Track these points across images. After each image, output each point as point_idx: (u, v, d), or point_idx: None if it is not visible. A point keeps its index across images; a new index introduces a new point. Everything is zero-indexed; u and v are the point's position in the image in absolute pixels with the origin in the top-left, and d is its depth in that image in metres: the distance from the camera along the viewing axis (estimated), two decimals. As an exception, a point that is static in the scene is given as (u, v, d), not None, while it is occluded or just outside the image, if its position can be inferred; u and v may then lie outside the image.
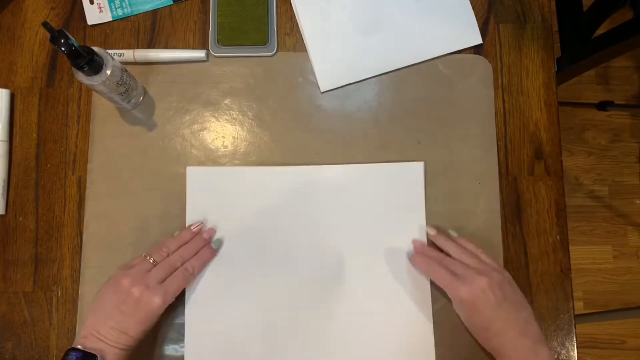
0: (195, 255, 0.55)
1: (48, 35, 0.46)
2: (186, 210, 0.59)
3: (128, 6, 0.63)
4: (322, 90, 0.62)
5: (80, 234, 0.59)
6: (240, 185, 0.60)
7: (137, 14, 0.63)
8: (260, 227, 0.59)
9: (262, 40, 0.62)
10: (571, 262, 0.59)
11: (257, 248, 0.58)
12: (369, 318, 0.57)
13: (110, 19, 0.63)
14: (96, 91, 0.55)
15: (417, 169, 0.60)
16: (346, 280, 0.58)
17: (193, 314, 0.57)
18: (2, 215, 0.60)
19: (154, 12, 0.64)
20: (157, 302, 0.49)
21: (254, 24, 0.62)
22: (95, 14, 0.63)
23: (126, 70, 0.56)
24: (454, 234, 0.58)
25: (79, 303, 0.58)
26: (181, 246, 0.55)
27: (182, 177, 0.60)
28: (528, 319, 0.51)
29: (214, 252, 0.57)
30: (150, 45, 0.63)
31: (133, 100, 0.60)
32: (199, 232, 0.57)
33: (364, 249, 0.58)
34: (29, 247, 0.59)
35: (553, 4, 0.70)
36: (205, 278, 0.57)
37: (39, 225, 0.60)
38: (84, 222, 0.59)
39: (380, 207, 0.59)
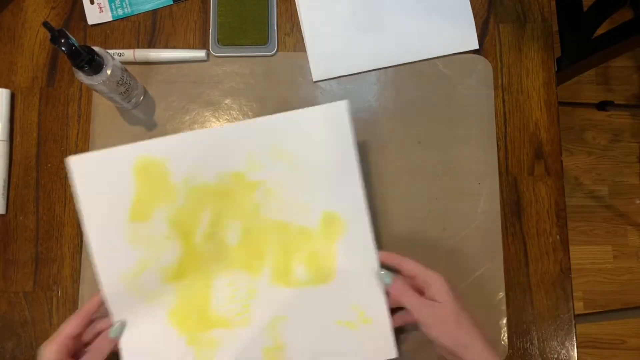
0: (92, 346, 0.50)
1: (48, 35, 0.46)
2: (81, 210, 0.51)
3: (128, 6, 0.63)
4: (314, 80, 0.62)
5: (80, 234, 0.59)
6: (134, 165, 0.52)
7: (137, 14, 0.64)
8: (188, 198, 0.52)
9: (262, 40, 0.62)
10: (571, 262, 0.59)
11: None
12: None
13: (111, 19, 0.63)
14: (97, 91, 0.55)
15: (340, 108, 0.52)
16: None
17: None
18: (2, 215, 0.60)
19: (155, 11, 0.64)
20: None
21: (254, 23, 0.62)
22: (96, 13, 0.63)
23: (126, 70, 0.56)
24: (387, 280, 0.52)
25: (79, 303, 0.58)
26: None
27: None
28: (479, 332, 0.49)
29: (114, 341, 0.50)
30: (151, 45, 0.63)
31: (133, 100, 0.60)
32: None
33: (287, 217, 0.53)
34: (29, 246, 0.59)
35: (553, 4, 0.70)
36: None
37: (39, 225, 0.60)
38: (84, 222, 0.59)
39: (307, 157, 0.53)
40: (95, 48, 0.51)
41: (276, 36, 0.63)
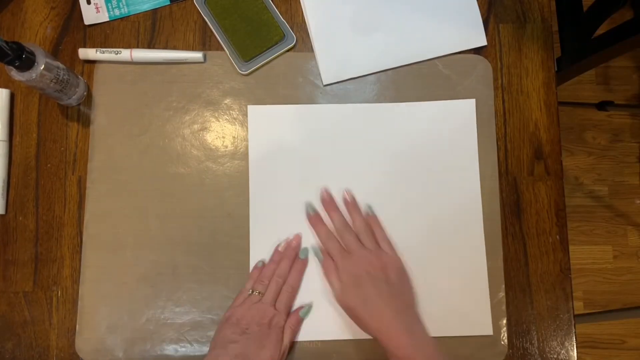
0: (290, 271, 0.57)
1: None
2: (249, 149, 0.61)
3: (125, 6, 0.63)
4: (324, 84, 0.62)
5: (80, 234, 0.59)
6: (296, 121, 0.61)
7: (136, 14, 0.64)
8: (314, 160, 0.61)
9: (279, 37, 0.62)
10: (571, 262, 0.59)
11: (312, 180, 0.60)
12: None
13: (107, 19, 0.63)
14: (35, 88, 0.55)
15: (469, 106, 0.61)
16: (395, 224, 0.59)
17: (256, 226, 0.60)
18: (2, 215, 0.60)
19: (154, 12, 0.64)
20: (278, 317, 0.54)
21: (265, 27, 0.62)
22: (92, 14, 0.63)
23: (65, 67, 0.56)
24: (369, 211, 0.59)
25: (79, 303, 0.58)
26: (275, 269, 0.57)
27: (182, 177, 0.60)
28: (408, 302, 0.53)
29: (305, 262, 0.58)
30: (150, 45, 0.63)
31: (75, 97, 0.59)
32: (285, 250, 0.58)
33: (413, 188, 0.60)
34: (29, 247, 0.59)
35: (553, 4, 0.70)
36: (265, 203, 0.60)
37: (39, 225, 0.60)
38: (84, 222, 0.59)
39: (430, 145, 0.61)
40: (29, 45, 0.51)
41: (288, 27, 0.62)
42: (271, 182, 0.60)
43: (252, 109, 0.62)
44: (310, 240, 0.59)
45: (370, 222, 0.58)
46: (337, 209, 0.59)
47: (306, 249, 0.59)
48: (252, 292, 0.55)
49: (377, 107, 0.61)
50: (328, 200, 0.59)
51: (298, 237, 0.59)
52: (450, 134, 0.61)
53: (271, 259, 0.58)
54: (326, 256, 0.57)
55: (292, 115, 0.61)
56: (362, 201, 0.60)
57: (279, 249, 0.58)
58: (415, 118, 0.61)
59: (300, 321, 0.56)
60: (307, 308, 0.57)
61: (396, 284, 0.53)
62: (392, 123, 0.61)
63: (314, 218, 0.59)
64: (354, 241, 0.56)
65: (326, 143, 0.61)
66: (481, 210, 0.59)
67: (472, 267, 0.58)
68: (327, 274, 0.56)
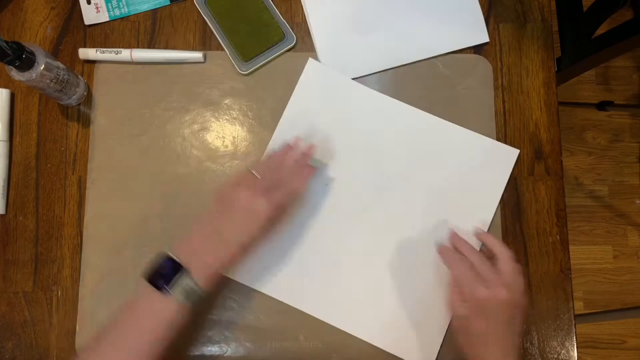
0: (296, 173, 0.54)
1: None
2: (290, 99, 0.61)
3: (125, 6, 0.63)
4: None
5: (80, 234, 0.59)
6: (345, 95, 0.61)
7: (136, 14, 0.64)
8: (344, 142, 0.60)
9: (279, 37, 0.62)
10: (571, 262, 0.59)
11: (337, 161, 0.60)
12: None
13: (107, 19, 0.63)
14: (35, 88, 0.55)
15: (510, 154, 0.60)
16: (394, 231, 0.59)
17: None
18: (2, 215, 0.60)
19: (154, 12, 0.64)
20: (262, 205, 0.48)
21: (265, 27, 0.62)
22: (93, 14, 0.63)
23: (65, 67, 0.56)
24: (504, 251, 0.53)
25: (79, 303, 0.58)
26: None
27: (182, 177, 0.60)
28: (516, 345, 0.50)
29: (313, 170, 0.56)
30: (151, 45, 0.63)
31: (75, 97, 0.59)
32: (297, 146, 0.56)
33: (427, 207, 0.59)
34: (29, 247, 0.59)
35: (553, 4, 0.70)
36: None
37: (39, 225, 0.60)
38: (84, 222, 0.59)
39: (459, 174, 0.60)
40: (27, 44, 0.51)
41: (289, 27, 0.62)
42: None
43: (312, 62, 0.62)
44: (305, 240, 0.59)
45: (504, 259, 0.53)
46: (467, 246, 0.55)
47: (319, 161, 0.57)
48: (251, 171, 0.52)
49: (427, 118, 0.61)
50: (460, 241, 0.56)
51: (312, 146, 0.57)
52: (482, 172, 0.60)
53: (282, 149, 0.56)
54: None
55: (345, 88, 0.61)
56: (374, 197, 0.60)
57: (290, 143, 0.56)
58: (455, 142, 0.60)
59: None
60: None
61: (515, 324, 0.50)
62: (432, 136, 0.60)
63: (449, 253, 0.54)
64: (490, 270, 0.51)
65: (360, 130, 0.61)
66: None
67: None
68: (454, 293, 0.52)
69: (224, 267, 0.48)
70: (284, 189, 0.52)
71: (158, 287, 0.44)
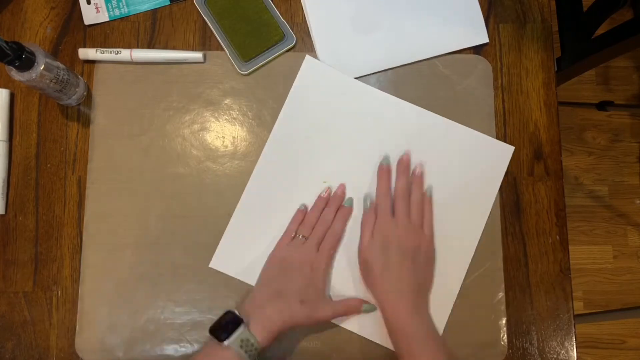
0: (335, 218, 0.58)
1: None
2: (288, 96, 0.61)
3: (125, 6, 0.63)
4: None
5: (80, 234, 0.59)
6: (343, 92, 0.61)
7: (136, 14, 0.64)
8: (342, 138, 0.61)
9: (279, 37, 0.62)
10: (571, 262, 0.59)
11: (328, 153, 0.61)
12: None
13: (107, 19, 0.63)
14: (35, 88, 0.55)
15: (506, 151, 0.61)
16: None
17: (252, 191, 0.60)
18: (2, 215, 0.60)
19: (154, 12, 0.64)
20: (318, 261, 0.55)
21: (265, 27, 0.62)
22: (92, 14, 0.63)
23: (65, 67, 0.56)
24: (429, 192, 0.59)
25: (79, 303, 0.58)
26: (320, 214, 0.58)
27: (182, 177, 0.60)
28: (423, 286, 0.55)
29: (350, 210, 0.59)
30: (150, 45, 0.63)
31: (75, 97, 0.59)
32: (329, 197, 0.59)
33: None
34: (29, 246, 0.59)
35: (553, 4, 0.70)
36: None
37: (39, 225, 0.60)
38: (84, 222, 0.59)
39: (457, 169, 0.60)
40: (27, 44, 0.51)
41: (289, 27, 0.62)
42: (289, 150, 0.60)
43: (309, 59, 0.62)
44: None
45: (425, 201, 0.58)
46: (406, 174, 0.59)
47: (351, 199, 0.59)
48: (297, 235, 0.57)
49: (423, 113, 0.61)
50: (405, 164, 0.59)
51: (342, 187, 0.59)
52: (478, 169, 0.60)
53: (315, 205, 0.59)
54: (372, 209, 0.58)
55: (343, 85, 0.61)
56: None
57: (322, 195, 0.59)
58: (452, 137, 0.60)
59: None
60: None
61: (420, 266, 0.55)
62: (427, 132, 0.61)
63: (384, 171, 0.59)
64: (404, 211, 0.56)
65: (356, 126, 0.61)
66: (476, 242, 0.59)
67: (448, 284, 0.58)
68: (363, 223, 0.57)
69: (286, 324, 0.51)
70: (330, 239, 0.57)
71: (219, 339, 0.48)
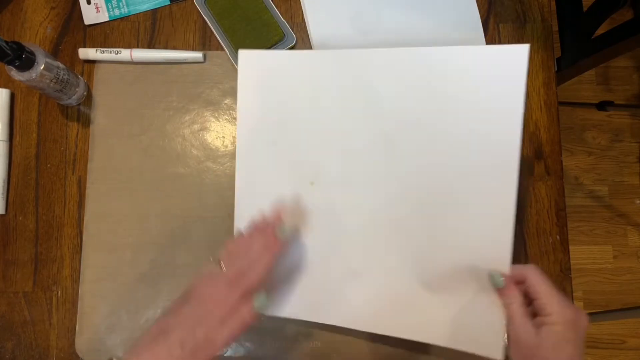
0: (264, 253, 0.48)
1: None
2: (237, 97, 0.55)
3: (125, 6, 0.63)
4: None
5: (80, 234, 0.59)
6: (296, 69, 0.53)
7: (136, 14, 0.64)
8: (319, 113, 0.53)
9: (279, 37, 0.62)
10: (571, 262, 0.59)
11: (317, 136, 0.53)
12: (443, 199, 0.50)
13: (107, 19, 0.63)
14: (35, 88, 0.55)
15: (520, 53, 0.47)
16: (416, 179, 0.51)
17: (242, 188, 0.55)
18: (2, 215, 0.60)
19: (154, 12, 0.64)
20: (229, 302, 0.45)
21: (265, 27, 0.62)
22: (93, 14, 0.63)
23: (65, 67, 0.56)
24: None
25: (79, 303, 0.58)
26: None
27: (182, 177, 0.60)
28: None
29: (282, 244, 0.49)
30: (150, 45, 0.63)
31: (75, 97, 0.60)
32: (263, 223, 0.50)
33: (441, 149, 0.49)
34: (29, 246, 0.59)
35: (553, 4, 0.70)
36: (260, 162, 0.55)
37: (39, 225, 0.60)
38: (84, 222, 0.59)
39: (463, 98, 0.49)
40: (27, 44, 0.51)
41: (289, 27, 0.62)
42: (263, 153, 0.54)
43: (243, 53, 0.54)
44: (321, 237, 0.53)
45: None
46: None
47: (287, 229, 0.49)
48: (216, 264, 0.48)
49: (390, 53, 0.50)
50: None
51: (277, 210, 0.51)
52: (493, 89, 0.48)
53: (247, 231, 0.50)
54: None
55: (292, 65, 0.53)
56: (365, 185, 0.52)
57: (254, 220, 0.51)
58: (450, 67, 0.49)
59: (252, 315, 0.46)
60: (262, 299, 0.46)
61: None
62: (411, 73, 0.50)
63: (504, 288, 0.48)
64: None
65: (331, 101, 0.52)
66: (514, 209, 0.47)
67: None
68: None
69: None
70: (252, 274, 0.47)
71: None
